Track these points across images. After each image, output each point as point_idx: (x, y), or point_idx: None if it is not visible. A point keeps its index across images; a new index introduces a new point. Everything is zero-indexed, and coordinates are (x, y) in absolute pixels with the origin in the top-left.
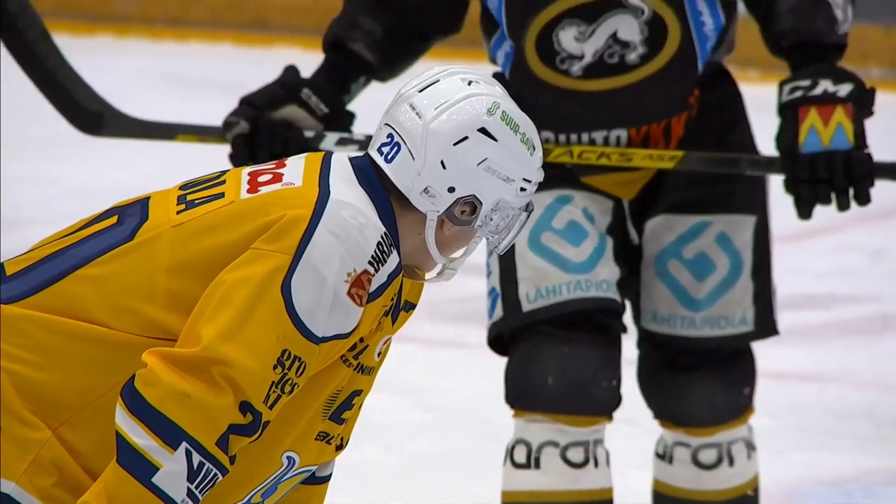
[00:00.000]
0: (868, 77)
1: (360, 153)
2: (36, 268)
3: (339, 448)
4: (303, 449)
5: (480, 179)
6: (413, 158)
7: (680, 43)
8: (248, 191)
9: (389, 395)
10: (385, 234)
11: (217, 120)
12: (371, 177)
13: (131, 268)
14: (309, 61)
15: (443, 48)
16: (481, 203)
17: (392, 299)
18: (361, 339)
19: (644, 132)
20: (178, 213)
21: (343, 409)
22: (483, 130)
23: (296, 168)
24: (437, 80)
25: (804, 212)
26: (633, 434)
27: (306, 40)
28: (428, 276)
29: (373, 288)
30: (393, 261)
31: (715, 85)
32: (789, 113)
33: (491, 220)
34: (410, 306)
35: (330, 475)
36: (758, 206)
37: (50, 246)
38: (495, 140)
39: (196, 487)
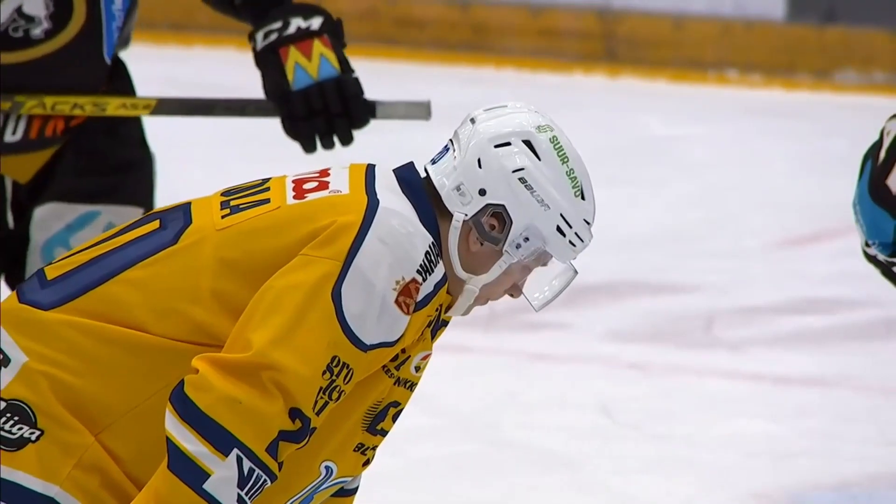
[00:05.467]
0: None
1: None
2: (77, 272)
3: (366, 463)
4: (341, 459)
5: (514, 189)
6: (455, 157)
7: (86, 20)
8: (295, 197)
9: None
10: (433, 243)
11: (220, 125)
12: (416, 187)
13: (175, 270)
14: None
15: (444, 51)
16: (511, 220)
17: (437, 310)
18: (403, 350)
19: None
20: (223, 217)
21: (379, 420)
22: (527, 142)
23: (340, 176)
24: (506, 106)
25: (308, 147)
26: (635, 438)
27: None
28: (458, 306)
29: (420, 297)
30: (439, 271)
31: (112, 76)
32: (270, 57)
33: (519, 246)
34: (444, 323)
35: (356, 489)
36: (144, 198)
37: (90, 251)
38: (538, 157)
39: (246, 494)
